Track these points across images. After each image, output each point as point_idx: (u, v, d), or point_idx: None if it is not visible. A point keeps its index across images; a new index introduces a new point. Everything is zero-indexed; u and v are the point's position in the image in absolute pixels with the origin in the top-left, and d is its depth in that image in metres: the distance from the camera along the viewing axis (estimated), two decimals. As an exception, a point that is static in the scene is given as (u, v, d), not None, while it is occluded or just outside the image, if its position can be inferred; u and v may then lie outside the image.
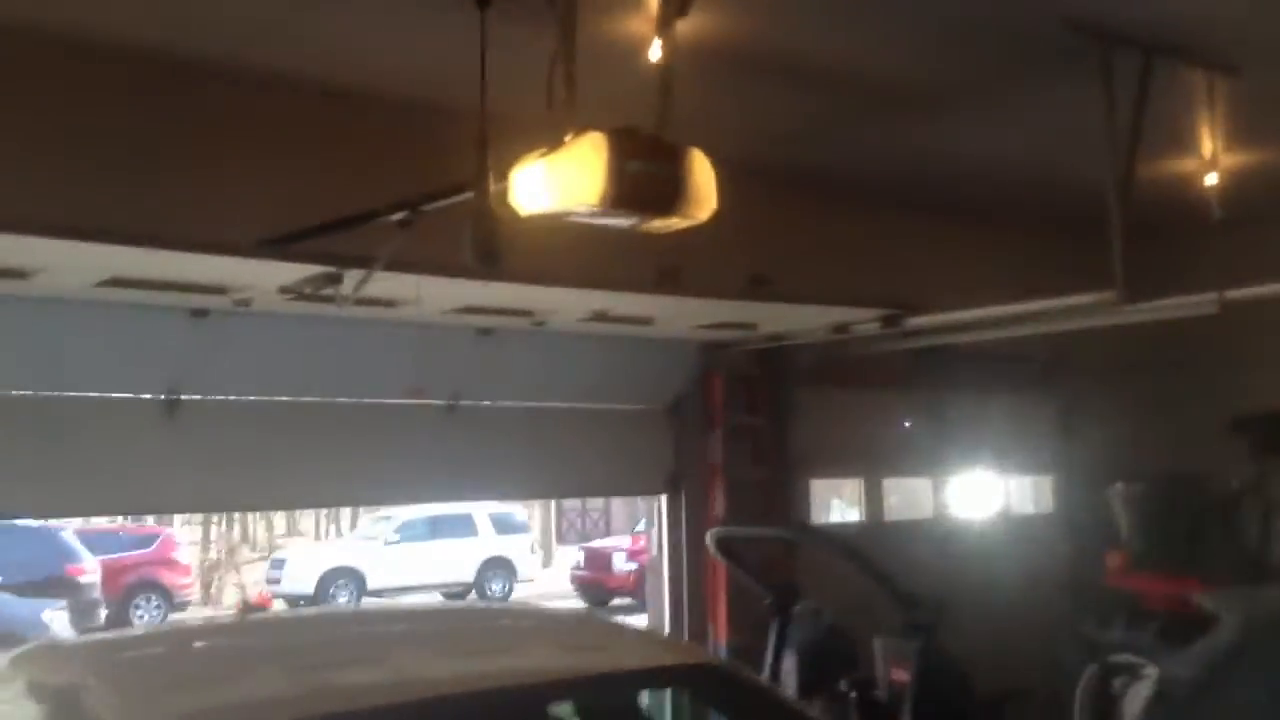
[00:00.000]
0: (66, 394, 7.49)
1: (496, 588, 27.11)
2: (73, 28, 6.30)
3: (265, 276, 6.66)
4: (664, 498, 10.06)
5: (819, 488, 10.97)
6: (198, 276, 6.74)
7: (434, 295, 7.17)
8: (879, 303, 8.50)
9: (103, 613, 21.13)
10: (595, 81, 4.97)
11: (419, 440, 8.69)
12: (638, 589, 21.09)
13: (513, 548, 27.73)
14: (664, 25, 5.10)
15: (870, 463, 11.02)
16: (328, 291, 6.44)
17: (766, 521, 9.54)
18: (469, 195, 5.01)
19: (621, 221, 4.94)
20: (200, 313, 7.52)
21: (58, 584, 20.02)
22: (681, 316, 8.74)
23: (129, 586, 23.69)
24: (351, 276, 6.27)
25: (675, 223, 4.97)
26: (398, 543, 26.48)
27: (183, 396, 7.75)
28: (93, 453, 7.52)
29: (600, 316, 8.08)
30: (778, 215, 9.80)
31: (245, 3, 5.97)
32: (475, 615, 7.28)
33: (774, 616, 7.98)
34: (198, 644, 4.86)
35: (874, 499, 11.25)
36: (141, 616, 23.57)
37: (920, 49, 6.96)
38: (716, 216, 9.48)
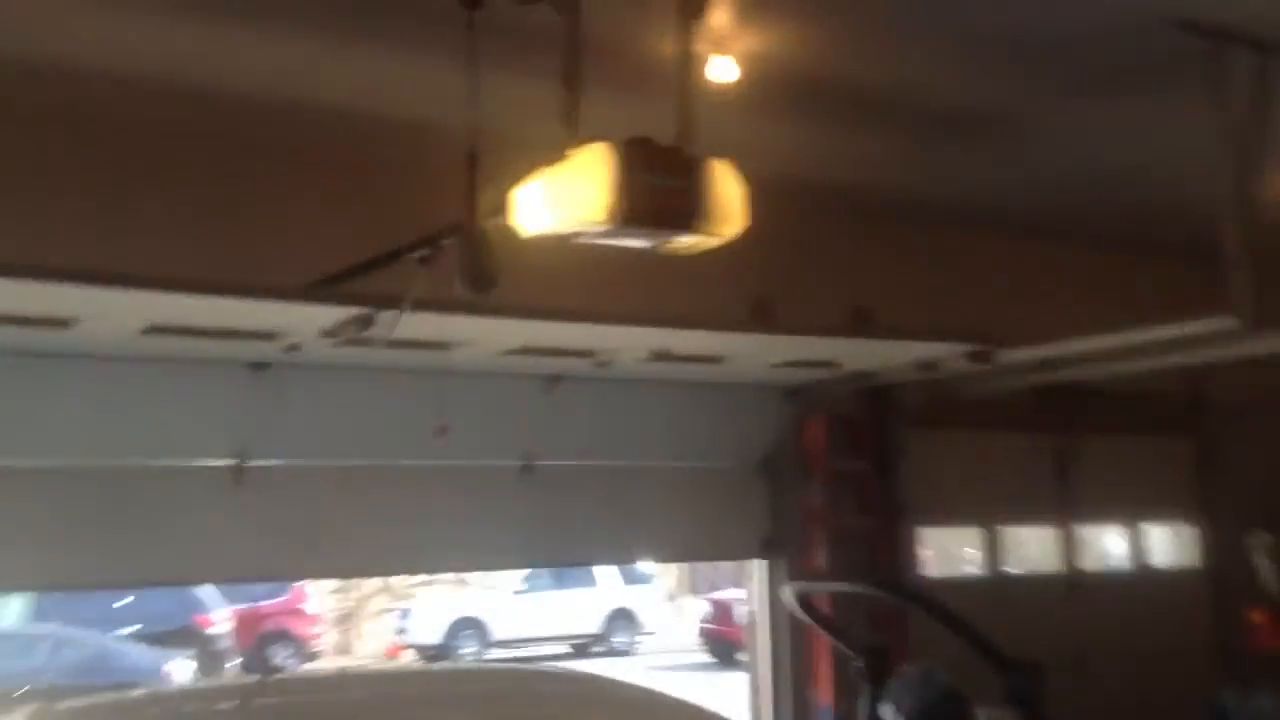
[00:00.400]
0: (130, 462, 7.28)
1: (621, 640, 26.57)
2: (112, 70, 6.10)
3: (306, 321, 6.35)
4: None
5: (942, 538, 10.27)
6: (239, 322, 6.47)
7: (488, 336, 6.78)
8: (975, 336, 7.84)
9: (234, 662, 21.18)
10: (616, 95, 4.52)
11: (492, 503, 8.26)
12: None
13: (639, 599, 27.17)
14: (680, 31, 4.59)
15: (988, 511, 10.26)
16: (366, 334, 6.09)
17: (874, 574, 8.87)
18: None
19: (636, 242, 4.45)
20: (260, 366, 7.24)
21: (185, 635, 20.15)
22: (755, 355, 8.17)
23: (262, 636, 23.74)
24: (385, 318, 5.91)
25: (698, 242, 4.45)
26: (524, 592, 26.13)
27: (249, 463, 7.48)
28: (158, 521, 7.30)
29: (662, 355, 7.56)
30: (872, 245, 9.24)
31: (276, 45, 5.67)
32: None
33: (865, 679, 7.30)
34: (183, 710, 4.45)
35: (994, 550, 10.47)
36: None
37: (1009, 66, 6.47)
38: (810, 245, 9.04)
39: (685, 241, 4.44)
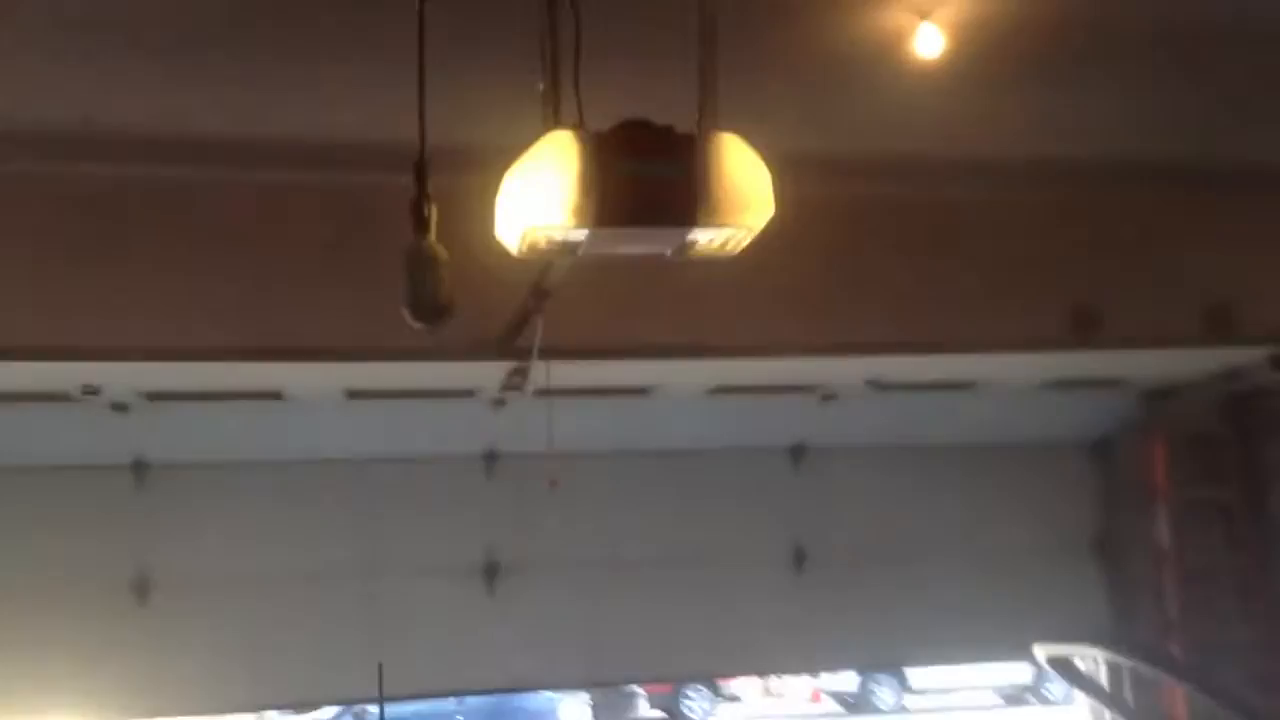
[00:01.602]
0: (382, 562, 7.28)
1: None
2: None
3: (488, 379, 6.09)
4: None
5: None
6: (430, 382, 6.33)
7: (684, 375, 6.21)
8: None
9: (643, 706, 21.10)
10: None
11: (758, 601, 7.56)
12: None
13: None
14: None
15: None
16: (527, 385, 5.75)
17: (1246, 621, 7.28)
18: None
19: (643, 247, 3.67)
20: (490, 457, 7.06)
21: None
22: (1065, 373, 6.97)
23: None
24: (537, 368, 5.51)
25: (721, 238, 3.59)
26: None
27: (500, 560, 7.30)
28: (412, 628, 7.22)
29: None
30: (1217, 224, 7.66)
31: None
32: None
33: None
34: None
35: None
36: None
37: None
38: (1149, 229, 7.57)
39: (703, 240, 3.60)
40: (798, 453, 7.46)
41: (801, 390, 7.44)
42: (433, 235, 3.63)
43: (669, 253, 3.69)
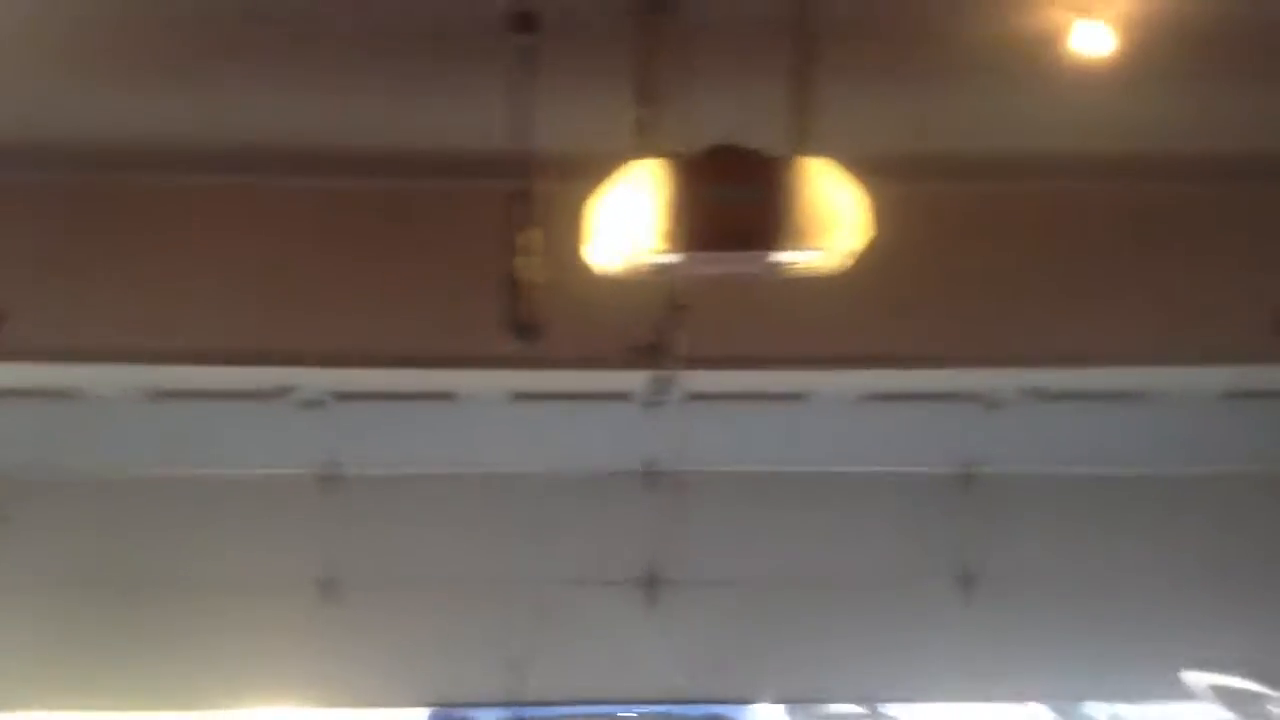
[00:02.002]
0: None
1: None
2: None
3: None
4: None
5: None
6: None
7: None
8: None
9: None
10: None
11: (923, 627, 7.46)
12: None
13: None
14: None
15: None
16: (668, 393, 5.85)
17: None
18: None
19: (735, 267, 3.75)
20: (653, 475, 7.19)
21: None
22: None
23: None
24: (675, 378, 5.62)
25: (812, 259, 3.66)
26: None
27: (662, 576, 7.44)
28: (571, 638, 7.39)
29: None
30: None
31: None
32: None
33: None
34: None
35: None
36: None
37: None
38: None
39: (790, 261, 3.67)
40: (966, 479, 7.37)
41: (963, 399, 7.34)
42: (531, 258, 3.79)
43: (760, 273, 3.77)
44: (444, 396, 7.29)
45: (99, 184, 6.44)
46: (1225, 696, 6.84)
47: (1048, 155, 6.25)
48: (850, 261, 3.69)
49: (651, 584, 7.41)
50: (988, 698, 8.09)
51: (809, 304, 6.11)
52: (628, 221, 3.59)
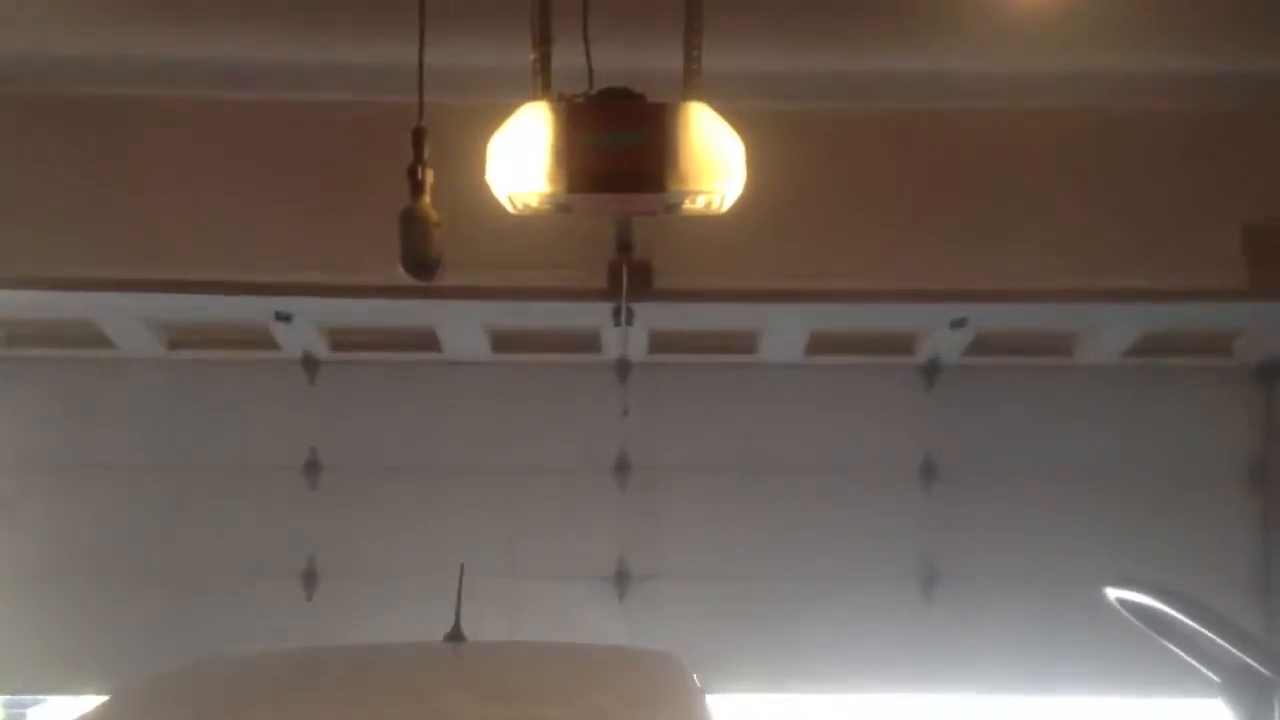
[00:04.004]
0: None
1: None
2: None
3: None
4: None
5: None
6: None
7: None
8: None
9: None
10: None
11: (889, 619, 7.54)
12: None
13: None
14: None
15: None
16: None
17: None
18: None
19: (631, 208, 3.91)
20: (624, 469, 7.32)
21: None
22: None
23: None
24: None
25: (700, 199, 3.79)
26: None
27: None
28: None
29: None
30: None
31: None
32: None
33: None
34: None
35: None
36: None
37: None
38: None
39: (681, 202, 3.80)
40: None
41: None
42: (427, 198, 3.94)
43: (659, 211, 3.91)
44: (427, 344, 7.19)
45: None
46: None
47: (986, 74, 5.93)
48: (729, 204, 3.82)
49: (620, 578, 7.47)
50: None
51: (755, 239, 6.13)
52: (517, 164, 3.73)
